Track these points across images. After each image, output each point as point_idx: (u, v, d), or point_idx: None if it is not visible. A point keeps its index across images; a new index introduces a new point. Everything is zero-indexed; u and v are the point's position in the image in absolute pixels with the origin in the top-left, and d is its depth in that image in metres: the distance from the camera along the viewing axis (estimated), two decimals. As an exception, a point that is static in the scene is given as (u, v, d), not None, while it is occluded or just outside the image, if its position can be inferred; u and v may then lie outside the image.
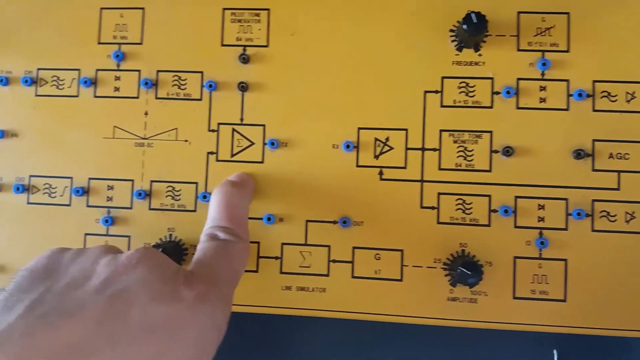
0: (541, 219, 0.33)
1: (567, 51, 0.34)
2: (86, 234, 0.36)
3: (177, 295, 0.24)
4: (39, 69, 0.37)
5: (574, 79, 0.34)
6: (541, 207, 0.33)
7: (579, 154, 0.33)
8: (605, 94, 0.33)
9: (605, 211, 0.33)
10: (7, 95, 0.37)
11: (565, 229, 0.33)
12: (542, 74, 0.34)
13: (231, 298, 0.27)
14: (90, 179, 0.36)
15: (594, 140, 0.33)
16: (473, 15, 0.31)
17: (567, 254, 0.33)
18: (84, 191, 0.36)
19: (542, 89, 0.34)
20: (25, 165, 0.36)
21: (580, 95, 0.33)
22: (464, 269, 0.31)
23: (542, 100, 0.34)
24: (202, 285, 0.25)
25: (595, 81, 0.33)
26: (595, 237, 0.33)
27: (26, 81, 0.36)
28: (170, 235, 0.35)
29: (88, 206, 0.36)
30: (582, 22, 0.34)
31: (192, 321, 0.24)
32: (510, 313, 0.33)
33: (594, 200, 0.33)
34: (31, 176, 0.36)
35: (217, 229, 0.29)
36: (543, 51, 0.34)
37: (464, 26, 0.31)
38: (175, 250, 0.34)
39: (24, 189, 0.36)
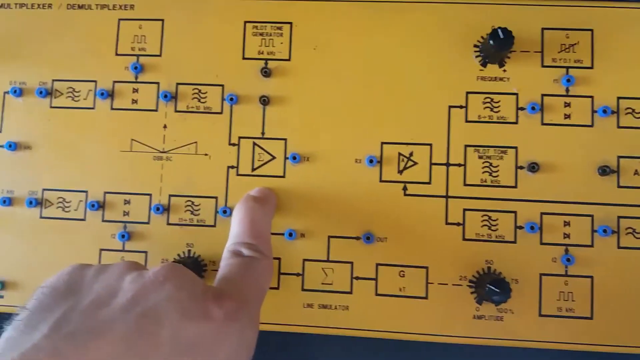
0: (567, 236, 0.33)
1: (591, 67, 0.34)
2: (101, 250, 0.35)
3: (207, 313, 0.23)
4: (54, 80, 0.36)
5: (598, 96, 0.34)
6: (567, 223, 0.33)
7: (604, 171, 0.33)
8: (629, 110, 0.33)
9: (631, 228, 0.33)
10: (21, 106, 0.36)
11: (591, 246, 0.33)
12: (567, 90, 0.34)
13: (259, 316, 0.27)
14: (106, 192, 0.35)
15: (619, 157, 0.33)
16: (500, 31, 0.31)
17: (593, 271, 0.33)
18: (100, 205, 0.35)
19: (567, 105, 0.34)
20: (38, 179, 0.35)
21: (604, 111, 0.33)
22: (493, 287, 0.30)
23: (567, 116, 0.34)
24: (232, 303, 0.24)
25: (619, 97, 0.33)
26: (622, 254, 0.33)
27: (41, 92, 0.36)
28: (189, 251, 0.34)
29: (104, 221, 0.35)
30: (606, 38, 0.34)
31: (223, 340, 0.23)
32: (536, 331, 0.33)
33: (619, 217, 0.33)
34: (44, 190, 0.35)
35: (241, 245, 0.29)
36: (567, 67, 0.34)
37: (491, 41, 0.31)
38: (194, 266, 0.33)
39: (37, 202, 0.35)
